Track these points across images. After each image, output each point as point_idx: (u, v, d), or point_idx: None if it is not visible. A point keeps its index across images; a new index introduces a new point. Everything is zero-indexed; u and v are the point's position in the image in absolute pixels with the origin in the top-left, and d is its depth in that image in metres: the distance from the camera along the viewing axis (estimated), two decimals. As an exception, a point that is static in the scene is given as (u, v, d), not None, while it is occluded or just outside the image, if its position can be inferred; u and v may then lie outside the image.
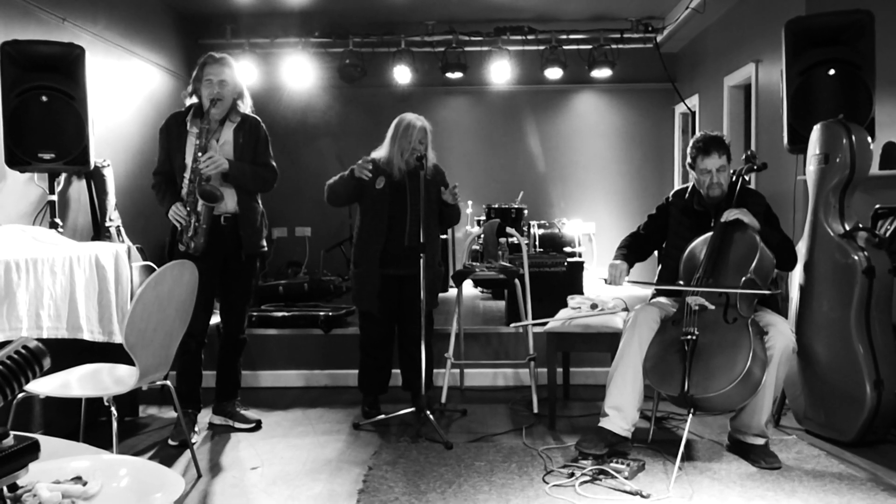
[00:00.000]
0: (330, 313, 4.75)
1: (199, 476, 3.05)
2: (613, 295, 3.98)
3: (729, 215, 3.24)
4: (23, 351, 1.12)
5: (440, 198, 3.78)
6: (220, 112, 3.53)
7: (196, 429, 3.62)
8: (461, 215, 4.01)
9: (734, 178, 3.40)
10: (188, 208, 3.46)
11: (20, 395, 2.70)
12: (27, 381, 1.13)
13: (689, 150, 3.45)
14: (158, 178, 3.62)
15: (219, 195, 3.42)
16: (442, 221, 3.94)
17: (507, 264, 4.46)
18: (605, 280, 3.39)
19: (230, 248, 3.58)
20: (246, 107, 3.66)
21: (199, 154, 3.43)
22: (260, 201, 3.71)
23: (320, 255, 7.46)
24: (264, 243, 3.72)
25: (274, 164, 3.70)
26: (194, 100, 3.59)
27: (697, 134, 3.45)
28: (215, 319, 3.80)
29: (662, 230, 3.59)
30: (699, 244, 3.34)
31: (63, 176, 4.39)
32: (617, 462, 2.98)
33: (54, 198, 4.17)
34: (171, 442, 3.46)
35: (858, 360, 3.28)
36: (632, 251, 3.54)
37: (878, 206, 3.80)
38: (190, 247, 3.44)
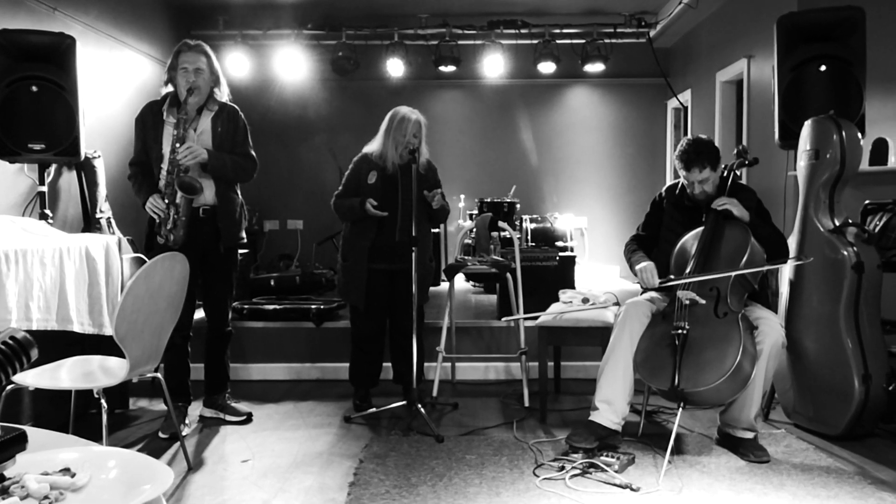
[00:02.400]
0: (321, 306, 4.75)
1: (190, 468, 3.05)
2: (605, 289, 3.99)
3: (719, 203, 3.25)
4: (10, 341, 1.12)
5: None
6: (197, 101, 3.47)
7: (187, 421, 3.61)
8: (448, 214, 4.00)
9: (725, 174, 3.41)
10: (167, 200, 3.39)
11: (9, 388, 2.69)
12: (14, 372, 1.12)
13: (675, 153, 3.44)
14: (135, 168, 3.55)
15: (198, 187, 3.36)
16: (430, 219, 3.94)
17: (499, 258, 4.46)
18: (640, 285, 3.39)
19: (209, 241, 3.52)
20: (223, 95, 3.59)
21: (177, 145, 3.37)
22: (239, 192, 3.66)
23: (312, 248, 7.45)
24: (244, 235, 3.68)
25: (254, 153, 3.64)
26: (170, 88, 3.52)
27: (685, 140, 3.38)
28: (199, 314, 3.77)
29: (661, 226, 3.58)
30: (690, 239, 3.36)
31: (53, 167, 4.36)
32: (607, 455, 2.99)
33: (44, 189, 4.14)
34: (161, 434, 3.46)
35: (847, 354, 3.30)
36: (645, 251, 3.52)
37: (867, 201, 3.82)
38: (169, 239, 3.38)
